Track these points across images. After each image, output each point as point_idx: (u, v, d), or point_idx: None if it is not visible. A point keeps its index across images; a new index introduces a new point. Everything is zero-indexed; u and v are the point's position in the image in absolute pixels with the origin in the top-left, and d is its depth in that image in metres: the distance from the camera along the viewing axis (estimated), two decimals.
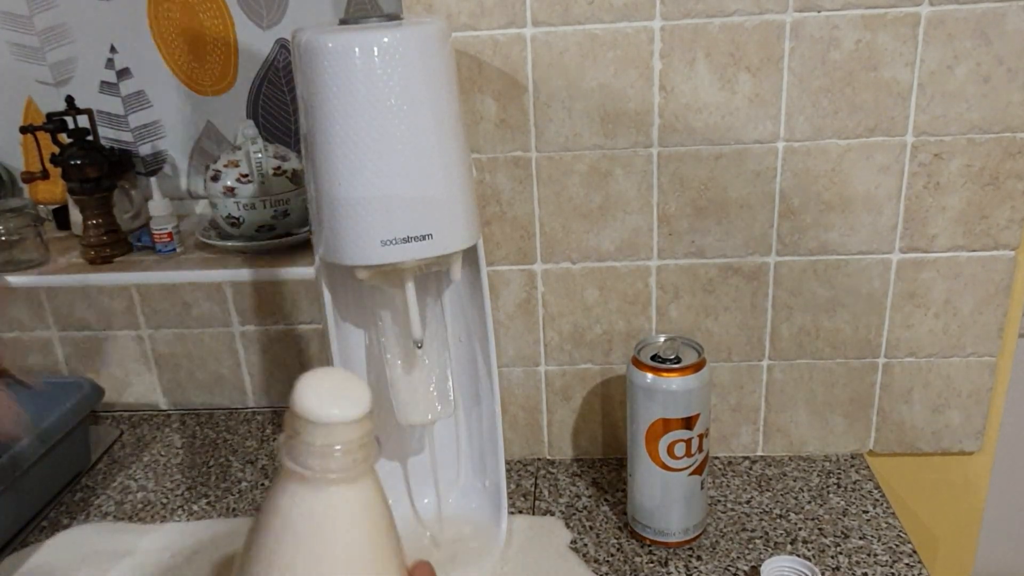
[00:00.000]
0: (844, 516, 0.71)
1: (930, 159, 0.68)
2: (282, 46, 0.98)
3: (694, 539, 0.68)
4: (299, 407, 0.33)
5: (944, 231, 0.70)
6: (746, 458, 0.79)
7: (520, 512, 0.73)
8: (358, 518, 0.35)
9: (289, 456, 0.34)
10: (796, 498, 0.73)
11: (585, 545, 0.69)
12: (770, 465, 0.78)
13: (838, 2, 0.63)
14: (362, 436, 0.34)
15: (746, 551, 0.67)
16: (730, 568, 0.65)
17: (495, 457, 0.67)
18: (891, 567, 0.64)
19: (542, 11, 0.65)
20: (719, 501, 0.73)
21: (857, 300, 0.73)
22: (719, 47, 0.65)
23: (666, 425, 0.64)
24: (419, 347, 0.62)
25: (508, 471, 0.79)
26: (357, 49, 0.50)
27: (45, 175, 0.95)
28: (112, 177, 0.93)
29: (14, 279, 0.90)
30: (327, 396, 0.34)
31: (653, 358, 0.65)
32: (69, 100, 0.92)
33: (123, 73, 1.01)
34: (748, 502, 0.73)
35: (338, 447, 0.33)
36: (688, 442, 0.64)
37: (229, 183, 0.89)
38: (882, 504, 0.72)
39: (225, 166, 0.90)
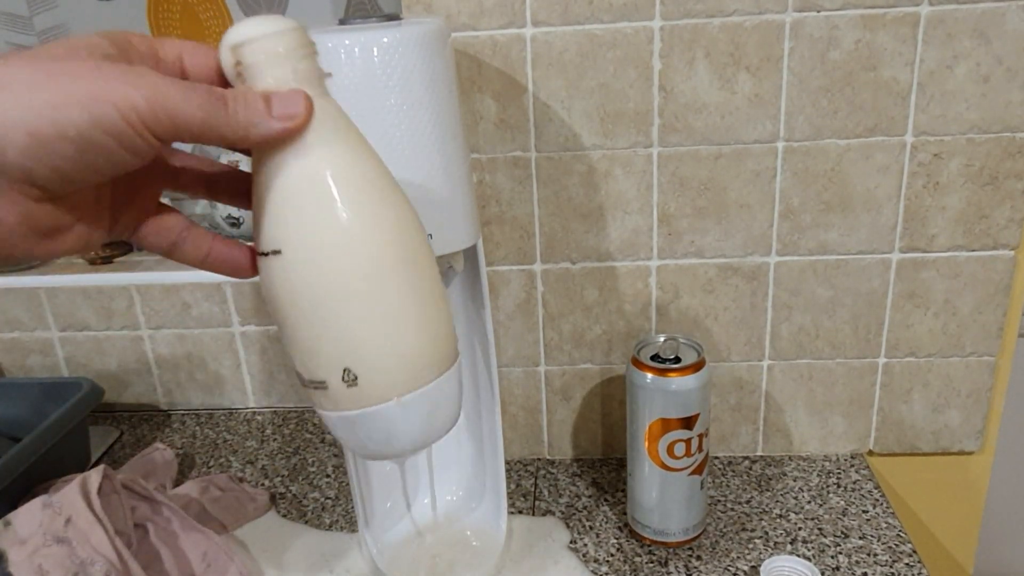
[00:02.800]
0: (844, 516, 0.71)
1: (929, 159, 0.68)
2: None
3: (694, 539, 0.68)
4: (233, 40, 0.33)
5: (944, 231, 0.70)
6: (746, 458, 0.80)
7: (520, 512, 0.73)
8: (339, 124, 0.35)
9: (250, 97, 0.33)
10: (796, 498, 0.73)
11: (585, 545, 0.69)
12: (770, 465, 0.78)
13: (838, 2, 0.63)
14: (296, 40, 0.34)
15: (746, 551, 0.67)
16: (730, 568, 0.65)
17: (495, 457, 0.67)
18: (891, 567, 0.64)
19: (542, 11, 0.65)
20: (719, 501, 0.73)
21: (857, 300, 0.73)
22: (719, 47, 0.65)
23: (666, 425, 0.64)
24: None
25: (508, 471, 0.79)
26: (357, 49, 0.50)
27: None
28: None
29: (14, 279, 0.90)
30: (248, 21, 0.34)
31: (653, 358, 0.65)
32: None
33: None
34: (748, 502, 0.73)
35: (280, 48, 0.33)
36: (688, 442, 0.64)
37: None
38: (882, 504, 0.72)
39: None
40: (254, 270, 0.37)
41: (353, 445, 0.38)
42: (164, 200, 0.38)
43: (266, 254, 0.35)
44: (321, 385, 0.36)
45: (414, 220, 0.37)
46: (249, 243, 0.37)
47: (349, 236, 0.34)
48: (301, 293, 0.35)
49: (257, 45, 0.33)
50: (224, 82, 0.34)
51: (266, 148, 0.34)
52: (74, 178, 0.30)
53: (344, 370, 0.35)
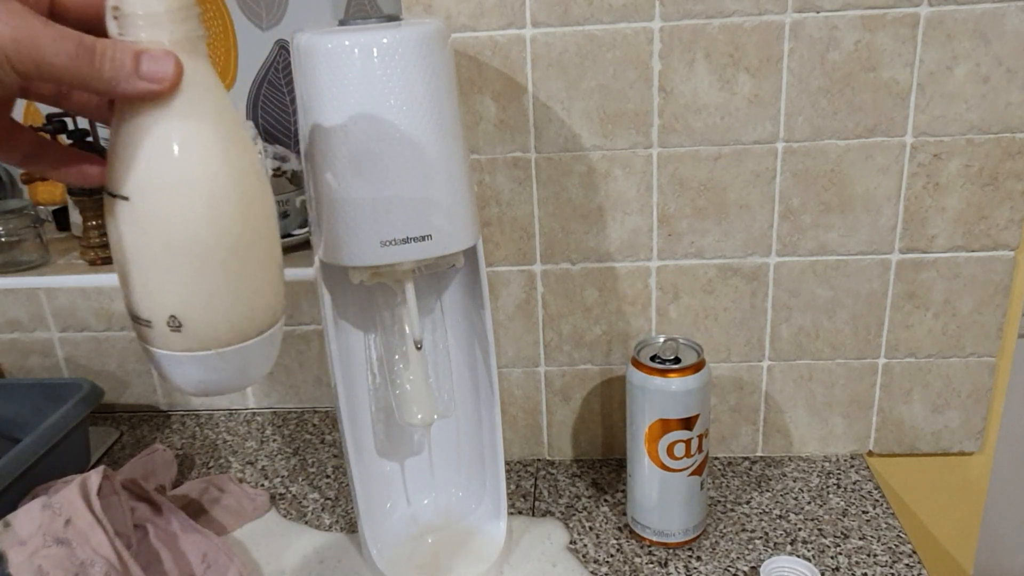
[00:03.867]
0: (844, 516, 0.71)
1: (929, 159, 0.68)
2: (281, 47, 0.98)
3: (694, 539, 0.68)
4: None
5: (943, 231, 0.70)
6: (746, 458, 0.80)
7: (520, 513, 0.73)
8: (206, 91, 0.36)
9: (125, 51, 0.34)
10: (796, 498, 0.73)
11: (585, 546, 0.69)
12: (770, 465, 0.78)
13: (837, 3, 0.64)
14: (178, 1, 0.35)
15: (746, 551, 0.67)
16: (730, 569, 0.65)
17: (495, 458, 0.67)
18: (891, 567, 0.64)
19: (541, 12, 0.65)
20: (719, 501, 0.73)
21: (857, 300, 0.73)
22: (718, 48, 0.65)
23: (665, 426, 0.64)
24: (419, 348, 0.62)
25: (508, 472, 0.79)
26: (356, 50, 0.50)
27: (45, 176, 0.95)
28: None
29: (14, 280, 0.90)
30: None
31: (653, 359, 0.65)
32: None
33: None
34: (748, 502, 0.73)
35: (160, 7, 0.34)
36: (688, 442, 0.64)
37: None
38: (882, 504, 0.72)
39: None
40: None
41: (166, 376, 0.41)
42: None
43: (114, 196, 0.37)
44: (147, 324, 0.38)
45: (261, 195, 0.39)
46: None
47: (193, 200, 0.36)
48: (141, 242, 0.37)
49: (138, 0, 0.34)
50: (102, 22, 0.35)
51: (128, 103, 0.35)
52: None
53: (171, 316, 0.38)
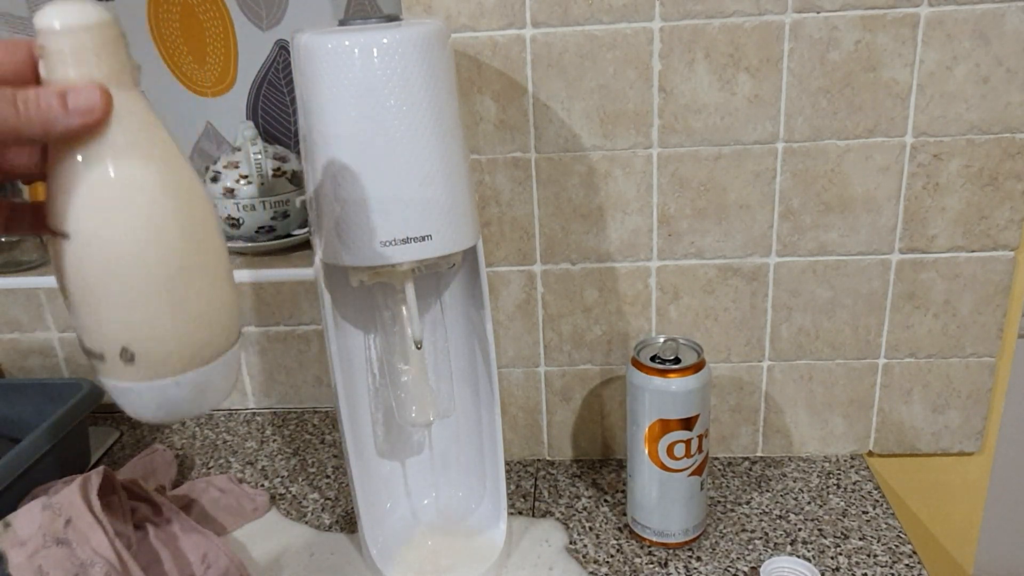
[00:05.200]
0: (844, 517, 0.71)
1: (929, 160, 0.68)
2: (282, 47, 0.98)
3: (694, 540, 0.68)
4: (39, 25, 0.34)
5: (943, 232, 0.70)
6: (746, 459, 0.80)
7: (520, 513, 0.73)
8: (138, 120, 0.36)
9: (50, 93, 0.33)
10: (796, 499, 0.73)
11: (585, 546, 0.69)
12: (770, 466, 0.78)
13: (837, 3, 0.64)
14: (104, 36, 0.34)
15: (746, 552, 0.67)
16: (730, 569, 0.65)
17: (495, 458, 0.67)
18: (891, 568, 0.64)
19: (541, 12, 0.65)
20: (719, 502, 0.73)
21: (857, 301, 0.73)
22: (718, 48, 0.65)
23: (665, 426, 0.64)
24: (418, 347, 0.62)
25: (508, 472, 0.79)
26: (356, 50, 0.50)
27: (44, 176, 0.95)
28: None
29: (14, 280, 0.90)
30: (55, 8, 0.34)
31: (653, 359, 0.65)
32: None
33: None
34: (748, 503, 0.73)
35: (87, 42, 0.34)
36: (688, 443, 0.64)
37: (229, 184, 0.89)
38: (882, 505, 0.72)
39: (225, 167, 0.90)
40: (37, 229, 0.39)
41: (126, 408, 0.40)
42: None
43: (55, 234, 0.36)
44: (99, 357, 0.38)
45: (202, 216, 0.38)
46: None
47: (131, 226, 0.35)
48: (84, 275, 0.36)
49: (63, 37, 0.33)
50: (37, 75, 0.35)
51: (64, 143, 0.35)
52: None
53: (122, 348, 0.37)
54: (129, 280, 0.36)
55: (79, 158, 0.35)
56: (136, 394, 0.38)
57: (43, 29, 0.33)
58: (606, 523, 0.72)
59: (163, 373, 0.38)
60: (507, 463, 0.79)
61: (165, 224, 0.36)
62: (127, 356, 0.37)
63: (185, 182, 0.37)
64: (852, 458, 0.78)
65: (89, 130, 0.34)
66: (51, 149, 0.36)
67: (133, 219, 0.35)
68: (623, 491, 0.74)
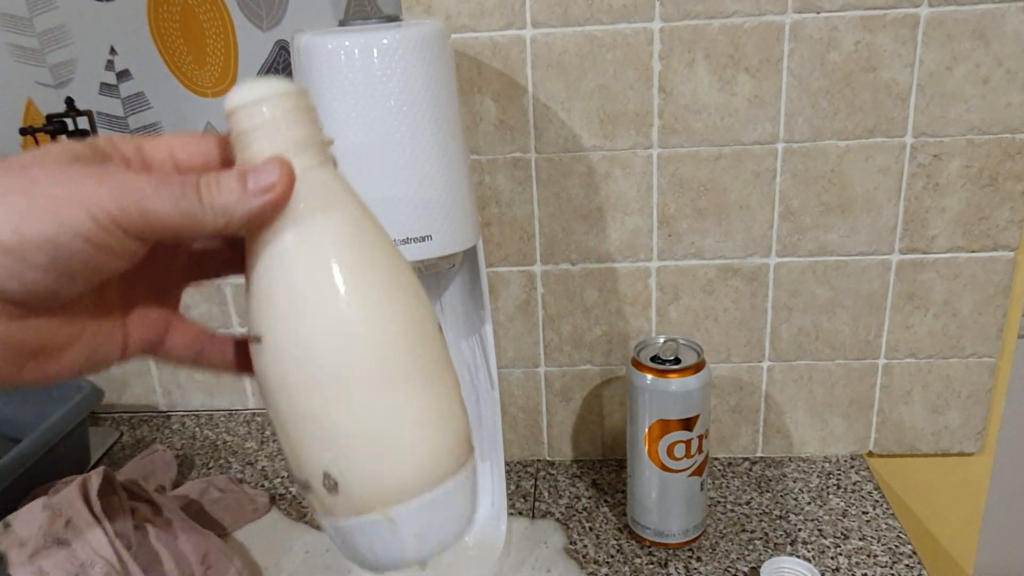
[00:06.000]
0: (844, 517, 0.71)
1: (929, 160, 0.68)
2: (282, 48, 0.98)
3: (694, 540, 0.68)
4: (226, 107, 0.30)
5: (943, 232, 0.70)
6: (746, 459, 0.80)
7: (520, 514, 0.73)
8: (332, 196, 0.31)
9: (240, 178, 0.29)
10: (796, 499, 0.73)
11: (585, 546, 0.69)
12: (770, 466, 0.78)
13: (837, 3, 0.64)
14: (288, 104, 0.30)
15: (746, 552, 0.67)
16: (730, 569, 0.65)
17: (495, 458, 0.67)
18: (891, 568, 0.64)
19: (541, 12, 0.65)
20: (719, 502, 0.73)
21: (857, 301, 0.73)
22: (718, 48, 0.65)
23: (666, 426, 0.64)
24: None
25: (508, 472, 0.79)
26: (357, 51, 0.50)
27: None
28: None
29: None
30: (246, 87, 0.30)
31: (653, 359, 0.65)
32: (69, 102, 0.92)
33: (123, 75, 1.01)
34: (748, 503, 0.73)
35: (268, 114, 0.30)
36: (688, 443, 0.64)
37: None
38: (882, 505, 0.72)
39: None
40: (239, 367, 0.34)
41: (344, 554, 0.33)
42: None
43: (250, 340, 0.32)
44: (306, 486, 0.32)
45: (417, 305, 0.32)
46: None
47: (329, 325, 0.30)
48: (279, 385, 0.31)
49: (245, 112, 0.30)
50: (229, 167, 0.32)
51: (253, 231, 0.30)
52: (53, 289, 0.27)
53: (324, 474, 0.31)
54: (322, 389, 0.30)
55: (264, 249, 0.30)
56: (347, 534, 0.32)
57: (228, 109, 0.30)
58: (606, 523, 0.72)
59: (371, 506, 0.31)
60: (507, 463, 0.79)
61: (364, 324, 0.30)
62: (330, 484, 0.31)
63: (387, 267, 0.32)
64: (852, 458, 0.78)
65: (271, 211, 0.29)
66: (246, 254, 0.31)
67: (321, 318, 0.30)
68: (623, 491, 0.74)
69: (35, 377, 0.29)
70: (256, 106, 0.30)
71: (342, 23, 0.55)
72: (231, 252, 0.34)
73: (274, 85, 0.30)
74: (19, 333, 0.28)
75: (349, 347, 0.30)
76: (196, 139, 0.32)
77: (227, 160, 0.31)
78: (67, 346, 0.30)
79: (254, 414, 0.93)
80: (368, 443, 0.30)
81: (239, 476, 0.81)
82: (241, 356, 0.33)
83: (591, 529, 0.71)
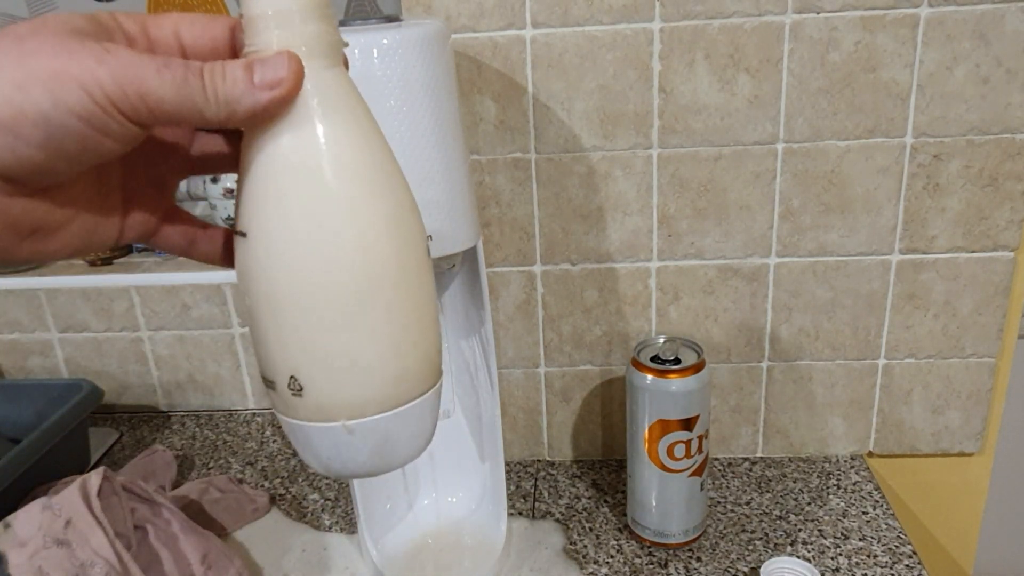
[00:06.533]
0: (844, 517, 0.71)
1: (929, 160, 0.68)
2: None
3: (694, 540, 0.68)
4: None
5: (943, 232, 0.70)
6: (746, 459, 0.79)
7: (520, 514, 0.73)
8: (339, 99, 0.30)
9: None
10: (796, 499, 0.73)
11: (585, 547, 0.69)
12: (770, 466, 0.78)
13: (837, 3, 0.64)
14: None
15: (746, 552, 0.67)
16: (730, 569, 0.65)
17: (495, 458, 0.67)
18: (891, 568, 0.64)
19: (541, 13, 0.65)
20: (719, 502, 0.73)
21: (857, 301, 0.73)
22: (718, 48, 0.65)
23: (666, 426, 0.64)
24: None
25: (508, 473, 0.79)
26: (356, 50, 0.50)
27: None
28: None
29: (14, 280, 0.90)
30: None
31: (653, 359, 0.65)
32: None
33: None
34: (748, 503, 0.73)
35: (284, 4, 0.28)
36: (688, 443, 0.64)
37: (229, 185, 0.89)
38: (882, 505, 0.72)
39: None
40: (228, 259, 0.33)
41: (297, 451, 0.34)
42: None
43: (235, 233, 0.31)
44: (270, 384, 0.32)
45: (410, 228, 0.31)
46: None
47: (313, 234, 0.29)
48: (257, 282, 0.30)
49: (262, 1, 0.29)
50: (235, 56, 0.30)
51: (254, 125, 0.29)
52: (48, 168, 0.27)
53: (291, 378, 0.31)
54: (300, 293, 0.30)
55: (260, 141, 0.29)
56: (303, 435, 0.32)
57: None
58: (606, 524, 0.72)
59: (333, 414, 0.31)
60: (507, 463, 0.79)
61: (355, 229, 0.30)
62: (295, 387, 0.31)
63: (388, 182, 0.31)
64: (852, 459, 0.78)
65: (277, 107, 0.28)
66: (242, 147, 0.31)
67: (307, 220, 0.29)
68: (623, 492, 0.74)
69: (33, 252, 0.29)
70: None
71: (342, 23, 0.55)
72: (232, 150, 0.33)
73: None
74: (15, 210, 0.27)
75: (331, 259, 0.30)
76: (204, 20, 0.30)
77: (235, 48, 0.30)
78: (65, 225, 0.29)
79: (254, 414, 0.93)
80: (338, 356, 0.30)
81: (239, 476, 0.81)
82: (230, 249, 0.33)
83: (591, 529, 0.71)
